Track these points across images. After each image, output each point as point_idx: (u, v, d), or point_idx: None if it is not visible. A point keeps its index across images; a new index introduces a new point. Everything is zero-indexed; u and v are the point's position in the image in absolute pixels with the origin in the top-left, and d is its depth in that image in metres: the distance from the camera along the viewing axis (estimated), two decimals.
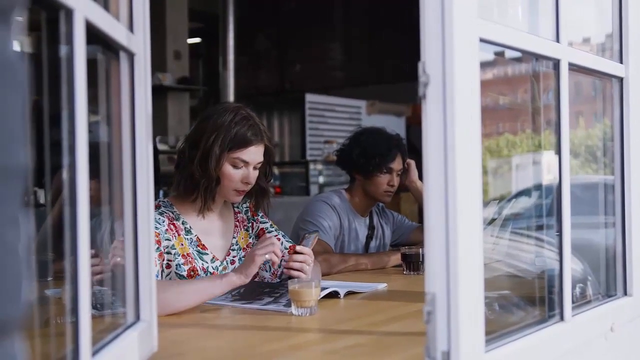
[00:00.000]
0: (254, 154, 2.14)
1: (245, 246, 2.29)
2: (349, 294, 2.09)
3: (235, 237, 2.28)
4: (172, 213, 2.15)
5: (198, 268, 2.12)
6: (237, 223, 2.31)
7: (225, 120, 2.10)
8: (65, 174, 0.99)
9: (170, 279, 2.08)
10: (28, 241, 0.50)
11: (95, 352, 1.06)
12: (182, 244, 2.11)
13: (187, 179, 2.14)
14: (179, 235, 2.12)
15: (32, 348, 0.83)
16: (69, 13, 0.96)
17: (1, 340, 0.48)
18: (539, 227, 1.89)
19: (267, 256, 1.93)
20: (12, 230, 0.49)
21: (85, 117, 0.99)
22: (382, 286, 2.27)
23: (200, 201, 2.15)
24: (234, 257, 2.25)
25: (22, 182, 0.50)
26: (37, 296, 1.13)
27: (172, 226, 2.11)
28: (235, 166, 2.13)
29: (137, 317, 1.33)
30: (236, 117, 2.12)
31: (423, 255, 2.55)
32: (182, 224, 2.15)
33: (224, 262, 2.21)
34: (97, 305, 1.31)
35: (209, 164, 2.09)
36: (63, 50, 0.98)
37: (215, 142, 2.08)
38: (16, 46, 0.51)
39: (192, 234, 2.16)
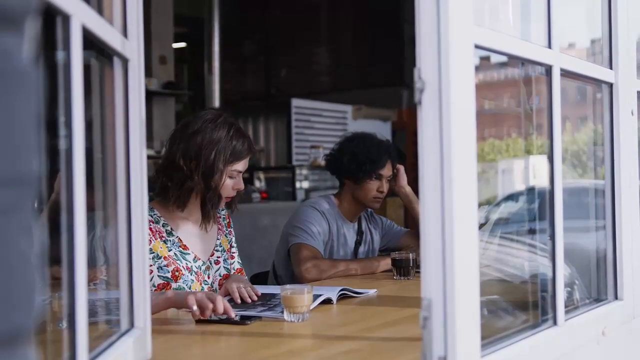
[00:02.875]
0: (246, 163, 2.25)
1: (227, 249, 2.37)
2: (342, 298, 2.10)
3: (219, 239, 2.35)
4: (152, 216, 2.19)
5: (182, 268, 2.17)
6: (220, 226, 2.38)
7: (221, 135, 2.17)
8: (60, 180, 0.98)
9: (153, 285, 2.10)
10: (40, 249, 0.50)
11: None
12: (161, 247, 2.16)
13: (187, 194, 2.18)
14: (156, 239, 2.15)
15: None
16: (66, 19, 0.96)
17: (15, 349, 0.47)
18: (528, 232, 1.90)
19: (194, 308, 1.76)
20: (26, 239, 0.48)
21: (82, 123, 0.98)
22: (372, 292, 2.27)
23: (203, 214, 2.23)
24: (218, 257, 2.32)
25: (34, 190, 0.50)
26: None
27: (149, 230, 2.13)
28: (231, 177, 2.21)
29: (132, 324, 1.32)
30: (231, 131, 2.20)
31: (413, 260, 2.57)
32: (163, 226, 2.20)
33: (207, 262, 2.27)
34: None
35: (213, 180, 2.16)
36: (59, 55, 0.98)
37: (217, 158, 2.15)
38: (28, 54, 0.51)
39: (173, 235, 2.21)
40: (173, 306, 1.88)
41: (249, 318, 1.81)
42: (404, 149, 7.32)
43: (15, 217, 0.47)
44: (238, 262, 2.43)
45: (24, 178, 0.48)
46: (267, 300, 2.06)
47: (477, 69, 1.41)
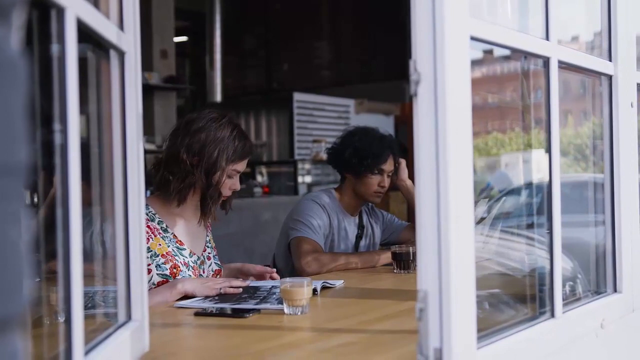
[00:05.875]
0: (245, 164, 2.29)
1: (213, 246, 2.41)
2: (324, 289, 2.15)
3: (208, 236, 2.39)
4: (147, 214, 2.19)
5: (180, 264, 2.19)
6: (208, 224, 2.41)
7: (225, 134, 2.20)
8: (56, 175, 0.98)
9: (153, 283, 2.10)
10: (29, 238, 0.51)
11: (87, 352, 1.06)
12: (159, 244, 2.18)
13: (187, 188, 2.20)
14: (155, 235, 2.15)
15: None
16: (61, 11, 0.96)
17: (3, 337, 0.48)
18: (529, 226, 1.90)
19: (221, 290, 2.06)
20: (14, 227, 0.49)
21: (77, 117, 0.98)
22: (340, 282, 2.30)
23: (203, 209, 2.25)
24: (209, 253, 2.36)
25: (23, 179, 0.50)
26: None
27: (147, 228, 2.14)
28: (230, 176, 2.24)
29: (129, 317, 1.32)
30: (234, 132, 2.22)
31: (413, 253, 2.57)
32: (158, 223, 2.22)
33: (202, 257, 2.31)
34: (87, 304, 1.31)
35: (214, 177, 2.19)
36: (54, 49, 0.98)
37: (220, 155, 2.18)
38: (16, 45, 0.51)
39: (169, 232, 2.22)
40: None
41: (248, 311, 1.81)
42: (407, 143, 7.32)
43: (3, 206, 0.48)
44: (216, 263, 2.42)
45: (12, 167, 0.48)
46: (253, 293, 2.06)
47: (480, 62, 1.42)
